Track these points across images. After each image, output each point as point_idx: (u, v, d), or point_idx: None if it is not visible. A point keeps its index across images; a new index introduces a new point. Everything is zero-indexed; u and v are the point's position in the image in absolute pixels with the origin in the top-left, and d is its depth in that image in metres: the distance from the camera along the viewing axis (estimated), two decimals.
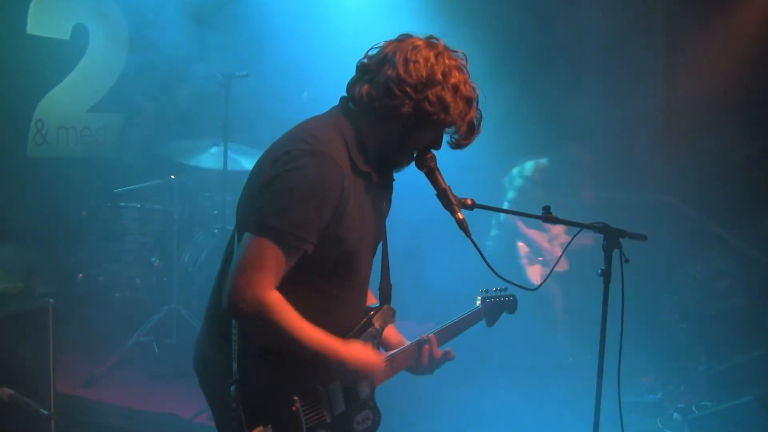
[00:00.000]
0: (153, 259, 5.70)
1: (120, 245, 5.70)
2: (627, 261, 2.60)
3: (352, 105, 2.24)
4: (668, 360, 5.66)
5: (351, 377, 2.31)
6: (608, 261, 2.64)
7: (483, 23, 5.90)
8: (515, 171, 5.84)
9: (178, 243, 5.66)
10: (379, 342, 2.47)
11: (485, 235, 5.95)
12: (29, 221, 5.45)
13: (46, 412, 3.54)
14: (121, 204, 5.69)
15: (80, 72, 6.13)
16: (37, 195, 5.41)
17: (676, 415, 5.06)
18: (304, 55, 5.77)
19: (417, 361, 2.59)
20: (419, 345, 2.59)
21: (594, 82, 6.12)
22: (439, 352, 2.64)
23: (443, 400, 4.82)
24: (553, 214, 2.61)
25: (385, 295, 2.51)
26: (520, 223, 5.76)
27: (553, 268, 2.96)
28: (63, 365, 4.31)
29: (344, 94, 2.29)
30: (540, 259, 5.77)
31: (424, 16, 5.58)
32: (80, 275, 5.68)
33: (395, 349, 2.57)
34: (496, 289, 2.96)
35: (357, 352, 2.29)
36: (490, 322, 2.95)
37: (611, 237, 2.62)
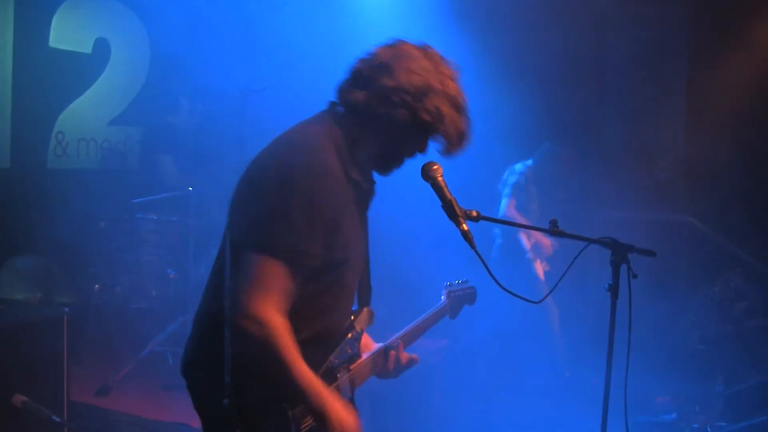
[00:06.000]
0: (169, 271, 5.71)
1: (137, 257, 5.71)
2: (635, 276, 2.57)
3: (343, 110, 2.24)
4: (685, 380, 5.58)
5: (324, 427, 2.17)
6: (616, 276, 2.58)
7: (505, 38, 5.91)
8: (506, 173, 5.78)
9: (194, 255, 5.69)
10: (359, 347, 2.44)
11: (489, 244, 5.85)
12: (48, 232, 5.51)
13: (59, 420, 3.59)
14: (138, 215, 5.69)
15: (101, 85, 6.25)
16: (57, 206, 5.48)
17: None
18: (321, 72, 5.79)
19: (383, 367, 2.54)
20: (386, 351, 2.55)
21: (618, 102, 6.11)
22: (405, 356, 2.58)
23: (437, 422, 4.75)
24: (560, 228, 2.59)
25: (364, 298, 2.49)
26: (518, 216, 5.62)
27: (554, 288, 2.87)
28: (77, 374, 4.35)
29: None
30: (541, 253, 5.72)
31: (448, 34, 5.59)
32: (97, 286, 5.71)
33: (364, 352, 2.51)
34: (458, 282, 2.95)
35: (340, 410, 2.16)
36: (453, 315, 2.93)
37: (619, 252, 2.60)
